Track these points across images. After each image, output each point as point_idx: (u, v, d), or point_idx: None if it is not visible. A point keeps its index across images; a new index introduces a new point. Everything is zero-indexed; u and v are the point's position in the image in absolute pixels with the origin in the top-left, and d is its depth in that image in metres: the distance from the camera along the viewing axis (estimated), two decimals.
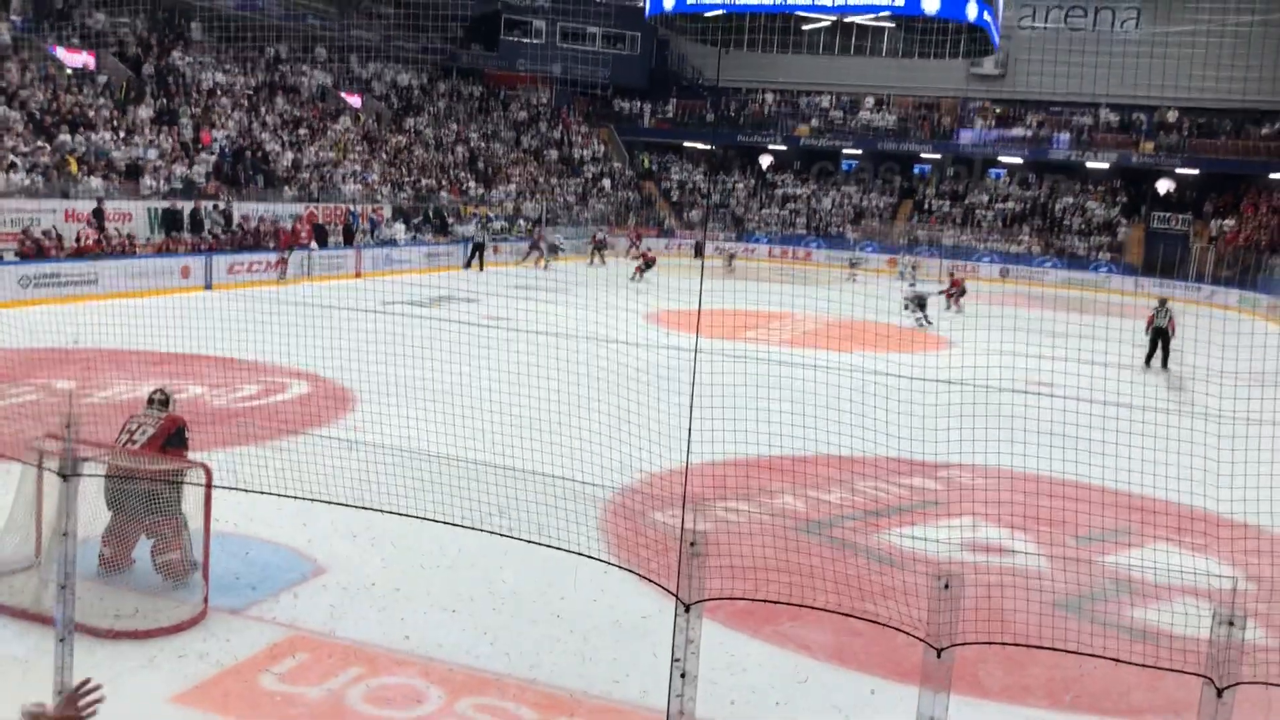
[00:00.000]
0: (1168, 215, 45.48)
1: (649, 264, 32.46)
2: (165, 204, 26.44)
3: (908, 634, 4.64)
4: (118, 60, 31.33)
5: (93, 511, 7.41)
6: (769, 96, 52.87)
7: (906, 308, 27.16)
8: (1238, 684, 4.14)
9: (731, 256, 40.19)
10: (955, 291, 30.18)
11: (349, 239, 31.88)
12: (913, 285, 29.86)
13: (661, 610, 6.92)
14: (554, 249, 36.94)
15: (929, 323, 26.98)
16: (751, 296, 26.15)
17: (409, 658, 6.88)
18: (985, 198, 48.84)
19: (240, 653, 6.81)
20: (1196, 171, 45.46)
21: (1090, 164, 46.98)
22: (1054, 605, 7.87)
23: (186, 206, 27.04)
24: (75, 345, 13.68)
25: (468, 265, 34.15)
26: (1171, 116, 46.17)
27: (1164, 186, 46.80)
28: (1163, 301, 21.22)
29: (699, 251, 42.25)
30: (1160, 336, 20.64)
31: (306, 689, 6.44)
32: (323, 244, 30.15)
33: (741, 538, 8.04)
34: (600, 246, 38.58)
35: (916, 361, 19.48)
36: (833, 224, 48.63)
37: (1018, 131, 48.43)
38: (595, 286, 24.43)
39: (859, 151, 50.89)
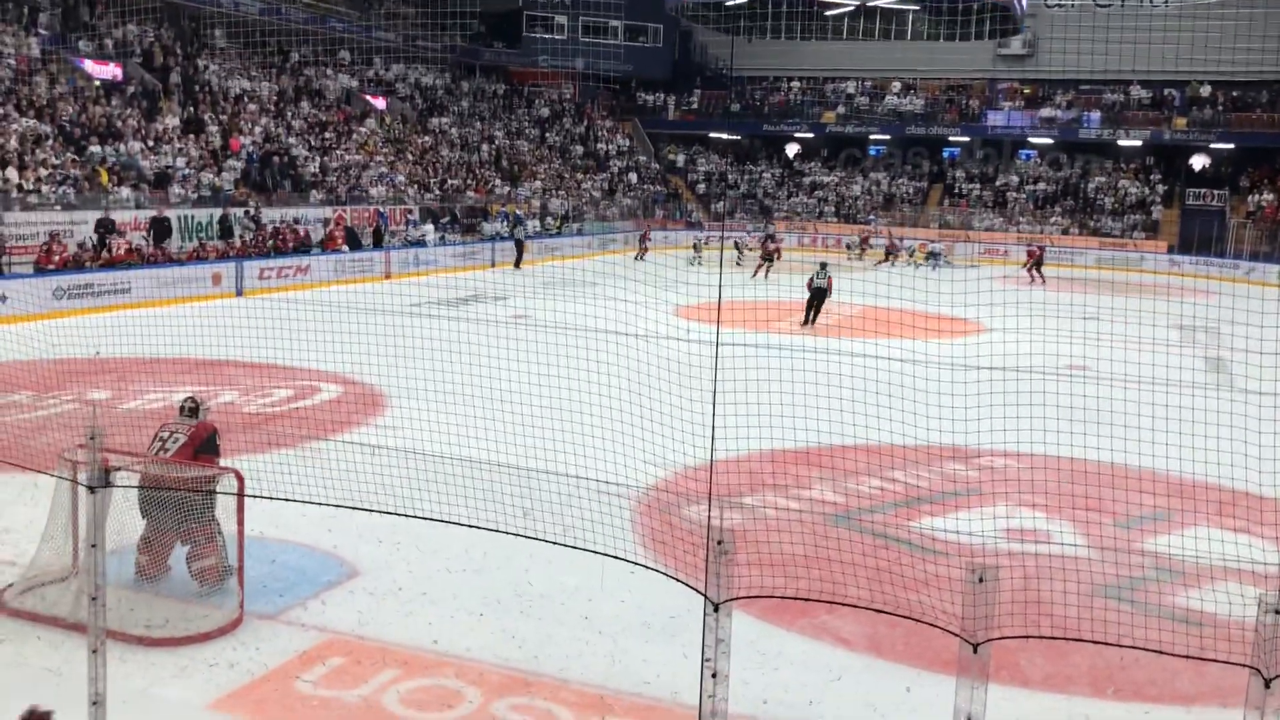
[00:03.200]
0: (1202, 192, 44.77)
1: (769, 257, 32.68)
2: (180, 212, 26.43)
3: (943, 629, 4.55)
4: (144, 70, 31.60)
5: (127, 520, 7.45)
6: (794, 84, 52.58)
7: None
8: None
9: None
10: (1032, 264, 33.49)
11: (378, 241, 31.99)
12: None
13: (690, 609, 6.84)
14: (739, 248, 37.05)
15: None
16: (782, 288, 26.02)
17: (442, 660, 6.85)
18: (1016, 180, 48.33)
19: (272, 659, 6.81)
20: (1231, 146, 44.72)
21: (1122, 142, 46.34)
22: (1095, 592, 7.73)
23: (215, 213, 27.22)
24: (97, 355, 13.79)
25: (518, 265, 34.14)
26: (1204, 91, 45.44)
27: (1198, 163, 46.09)
28: (823, 265, 23.09)
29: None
30: (818, 296, 22.22)
31: (342, 693, 6.43)
32: (355, 247, 30.29)
33: (773, 531, 7.96)
34: (641, 240, 38.56)
35: (950, 349, 19.27)
36: (861, 211, 48.30)
37: (1047, 111, 47.85)
38: (626, 281, 24.39)
39: (886, 137, 50.50)
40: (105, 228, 23.70)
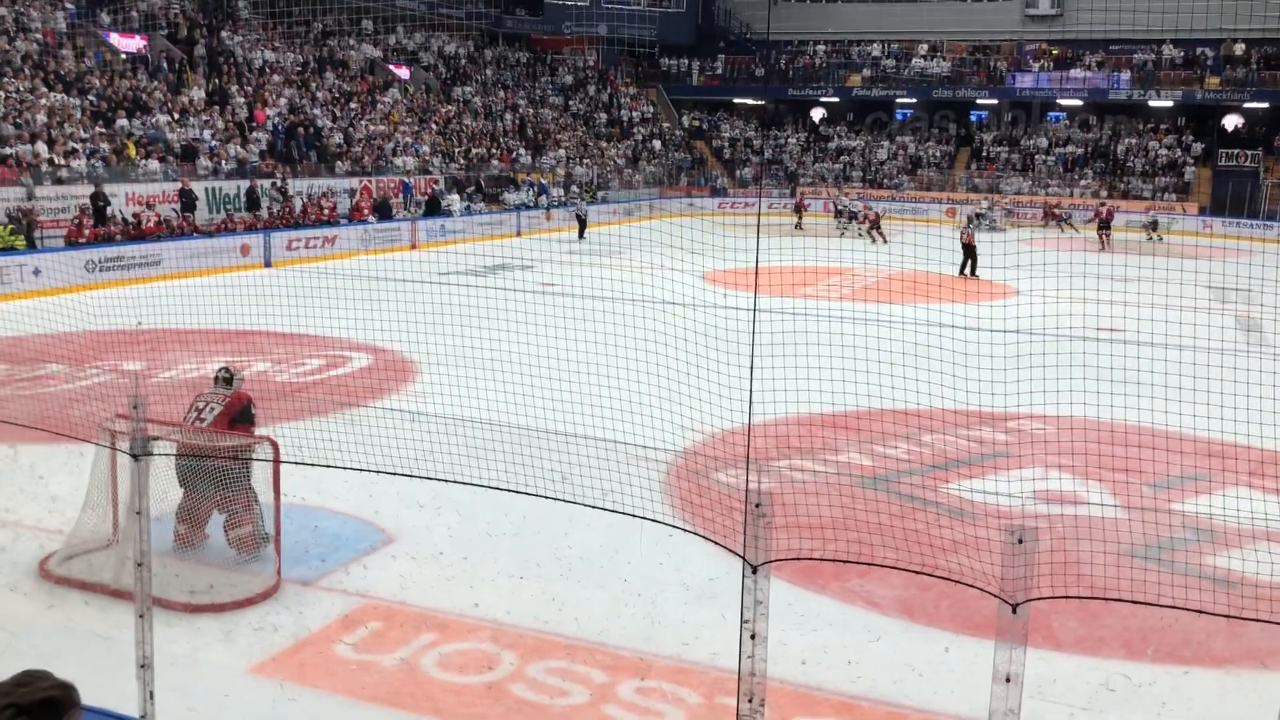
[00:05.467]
0: (1235, 152, 44.10)
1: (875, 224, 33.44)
2: (208, 185, 26.56)
3: (981, 590, 4.56)
4: (169, 42, 31.68)
5: (165, 489, 7.56)
6: (819, 47, 52.07)
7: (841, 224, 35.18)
8: None
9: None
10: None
11: (433, 210, 32.20)
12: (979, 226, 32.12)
13: (729, 572, 6.89)
14: (850, 215, 36.78)
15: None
16: (809, 253, 25.93)
17: (480, 623, 6.93)
18: (1045, 142, 47.76)
19: (314, 623, 6.91)
20: (1266, 105, 43.98)
21: (1153, 103, 45.66)
22: (1130, 554, 7.72)
23: (242, 185, 27.33)
24: (139, 327, 13.95)
25: (581, 236, 33.74)
26: (1238, 49, 44.65)
27: (1231, 122, 45.37)
28: (969, 219, 27.25)
29: (839, 214, 41.10)
30: (968, 250, 25.27)
31: (381, 657, 6.52)
32: (386, 217, 30.41)
33: (808, 494, 7.98)
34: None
35: (980, 312, 19.17)
36: (887, 176, 47.92)
37: (1076, 73, 47.18)
38: (652, 249, 24.37)
39: (913, 100, 49.96)
40: (101, 200, 23.44)
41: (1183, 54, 46.04)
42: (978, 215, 37.45)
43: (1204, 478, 9.64)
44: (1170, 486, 9.53)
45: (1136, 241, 33.25)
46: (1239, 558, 7.67)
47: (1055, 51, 48.43)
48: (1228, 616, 5.67)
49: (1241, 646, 6.79)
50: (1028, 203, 42.45)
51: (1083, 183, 45.10)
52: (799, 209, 38.70)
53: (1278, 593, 6.98)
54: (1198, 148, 44.91)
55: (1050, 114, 48.85)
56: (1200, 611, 4.80)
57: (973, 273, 25.00)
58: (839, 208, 38.04)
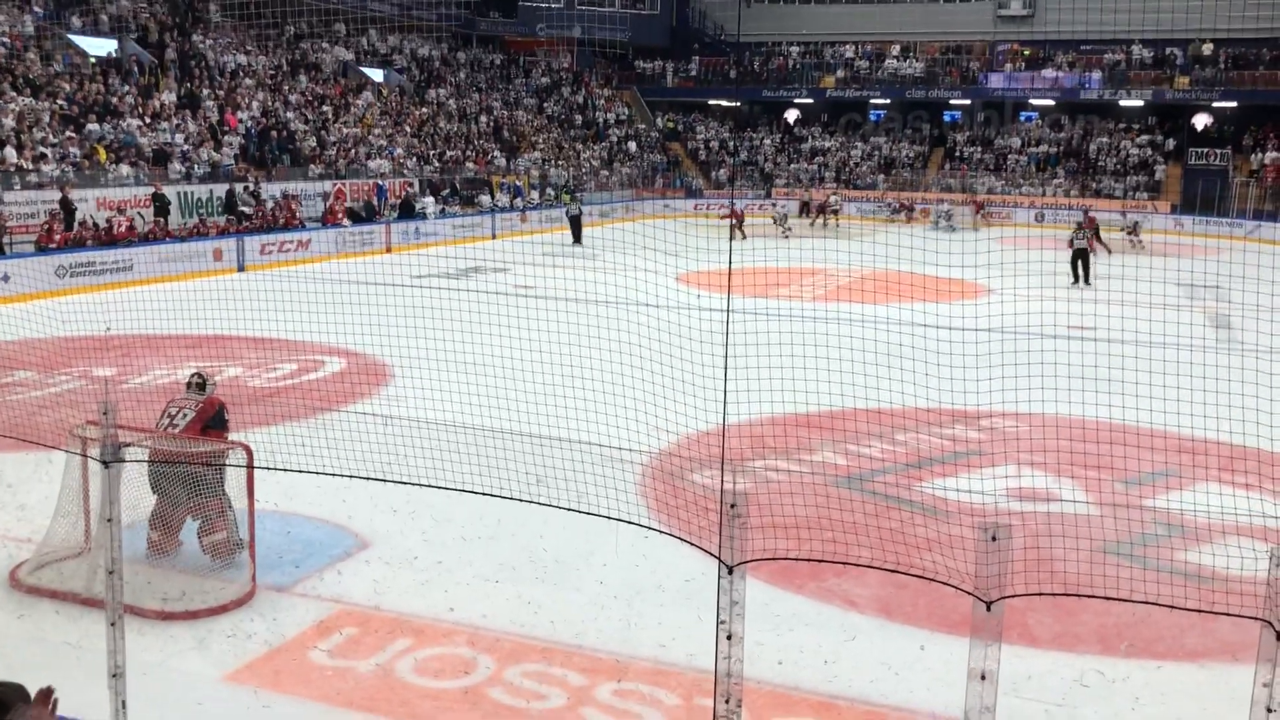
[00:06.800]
0: (1205, 151, 44.56)
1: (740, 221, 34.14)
2: (180, 189, 26.33)
3: (956, 588, 4.57)
4: (139, 46, 31.42)
5: (138, 496, 7.49)
6: (793, 49, 52.24)
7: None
8: None
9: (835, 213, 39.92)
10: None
11: (407, 212, 32.21)
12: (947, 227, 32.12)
13: (705, 573, 6.89)
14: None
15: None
16: (783, 253, 25.99)
17: (456, 628, 6.90)
18: (1017, 142, 48.09)
19: (288, 630, 6.86)
20: (1234, 104, 44.47)
21: (1124, 102, 46.07)
22: (1103, 550, 7.77)
23: (215, 189, 27.12)
24: (108, 333, 13.82)
25: (576, 240, 32.93)
26: (1207, 49, 45.12)
27: (1201, 122, 45.85)
28: (1079, 224, 25.64)
29: (806, 211, 41.19)
30: (1080, 256, 24.37)
31: (356, 663, 6.48)
32: (369, 219, 30.31)
33: (782, 495, 7.99)
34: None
35: (953, 311, 19.26)
36: (862, 176, 48.10)
37: (1048, 73, 47.57)
38: (625, 251, 24.37)
39: (887, 101, 50.22)
40: (67, 206, 23.03)
41: (1152, 54, 46.49)
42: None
43: (1175, 474, 9.72)
44: (1142, 483, 9.61)
45: (1132, 242, 33.09)
46: (1210, 553, 7.74)
47: (1027, 52, 48.81)
48: (1200, 611, 5.71)
49: (1214, 641, 6.84)
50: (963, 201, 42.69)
51: (1055, 182, 45.45)
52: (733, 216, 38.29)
53: (1249, 587, 7.05)
54: (1169, 144, 45.34)
55: (1023, 114, 49.22)
56: (1173, 607, 4.83)
57: (1086, 280, 24.37)
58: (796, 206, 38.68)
